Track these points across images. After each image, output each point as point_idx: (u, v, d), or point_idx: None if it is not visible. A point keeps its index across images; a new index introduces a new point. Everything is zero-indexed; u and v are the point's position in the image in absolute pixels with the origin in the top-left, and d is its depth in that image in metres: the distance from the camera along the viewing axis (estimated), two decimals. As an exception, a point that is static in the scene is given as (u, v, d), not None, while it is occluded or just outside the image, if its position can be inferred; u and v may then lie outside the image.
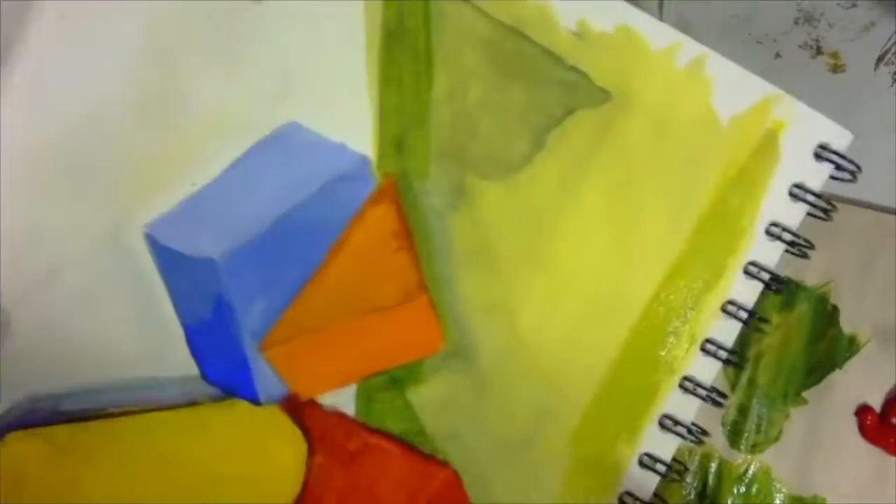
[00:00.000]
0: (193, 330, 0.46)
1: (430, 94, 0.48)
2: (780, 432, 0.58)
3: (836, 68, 0.61)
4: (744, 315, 0.51)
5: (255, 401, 0.47)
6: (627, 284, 0.50)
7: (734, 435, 0.58)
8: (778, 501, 0.57)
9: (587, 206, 0.49)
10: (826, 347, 0.59)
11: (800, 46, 0.60)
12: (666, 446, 0.51)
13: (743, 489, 0.58)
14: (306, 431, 0.47)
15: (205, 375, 0.47)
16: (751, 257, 0.50)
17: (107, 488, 0.45)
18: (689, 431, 0.51)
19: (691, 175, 0.49)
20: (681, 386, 0.50)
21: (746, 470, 0.58)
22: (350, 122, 0.47)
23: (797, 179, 0.50)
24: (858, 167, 0.51)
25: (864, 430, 0.57)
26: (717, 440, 0.58)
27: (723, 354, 0.51)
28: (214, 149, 0.46)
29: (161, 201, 0.45)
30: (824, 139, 0.50)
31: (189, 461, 0.46)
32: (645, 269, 0.50)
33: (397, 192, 0.47)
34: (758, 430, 0.58)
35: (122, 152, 0.44)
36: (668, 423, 0.50)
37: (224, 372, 0.47)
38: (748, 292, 0.51)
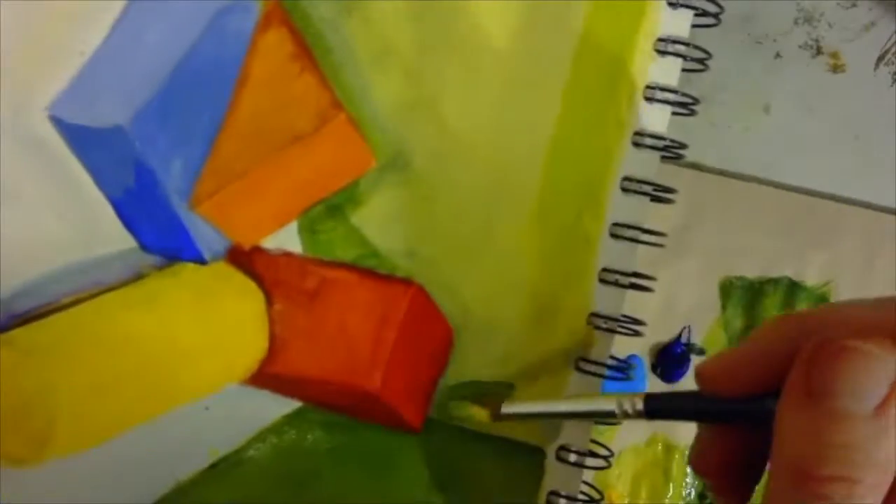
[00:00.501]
0: (120, 202, 0.45)
1: None
2: None
3: (836, 68, 0.62)
4: (681, 48, 0.47)
5: (200, 260, 0.46)
6: (544, 46, 0.46)
7: None
8: None
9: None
10: None
11: (800, 46, 0.62)
12: (632, 211, 0.48)
13: (742, 489, 0.60)
14: (259, 280, 0.45)
15: (143, 245, 0.46)
16: None
17: (78, 380, 0.43)
18: (655, 189, 0.47)
19: None
20: (635, 143, 0.47)
21: (746, 470, 0.60)
22: None
23: None
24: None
25: None
26: None
27: (672, 97, 0.47)
28: (94, 11, 0.44)
29: (55, 79, 0.43)
30: None
31: (151, 336, 0.44)
32: (561, 22, 0.46)
33: (284, 12, 0.46)
34: None
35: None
36: (632, 185, 0.47)
37: (161, 237, 0.46)
38: (678, 22, 0.47)
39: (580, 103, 0.48)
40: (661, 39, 0.47)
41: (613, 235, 0.48)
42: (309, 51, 0.45)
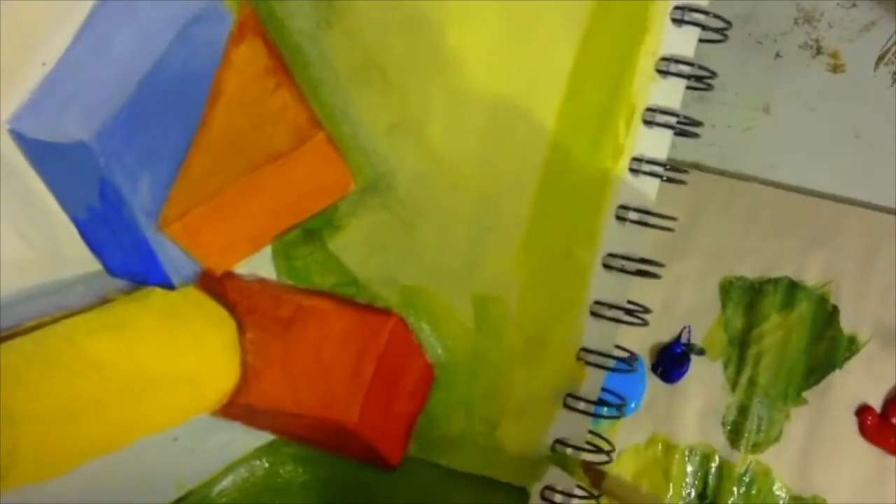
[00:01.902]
0: (84, 222, 0.42)
1: None
2: (780, 432, 0.59)
3: (836, 68, 0.61)
4: (685, 69, 0.44)
5: (168, 285, 0.43)
6: (537, 65, 0.43)
7: (734, 435, 0.59)
8: (778, 501, 0.58)
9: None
10: (826, 347, 0.60)
11: (800, 46, 0.61)
12: (629, 241, 0.45)
13: (743, 489, 0.58)
14: (231, 307, 0.43)
15: (109, 268, 0.43)
16: (677, 1, 0.44)
17: (39, 407, 0.40)
18: (654, 216, 0.45)
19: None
20: (632, 169, 0.44)
21: (746, 470, 0.58)
22: None
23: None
24: None
25: (864, 430, 0.58)
26: (717, 440, 0.59)
27: (673, 121, 0.44)
28: (56, 20, 0.40)
29: (15, 92, 0.40)
30: None
31: (116, 363, 0.41)
32: (553, 42, 0.43)
33: (259, 23, 0.43)
34: (758, 430, 0.59)
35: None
36: (628, 215, 0.45)
37: (128, 261, 0.43)
38: (683, 42, 0.45)
39: (574, 128, 0.44)
40: (664, 59, 0.44)
41: (607, 266, 0.45)
42: (286, 65, 0.42)
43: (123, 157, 0.39)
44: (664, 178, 0.44)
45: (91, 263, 0.42)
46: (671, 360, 0.61)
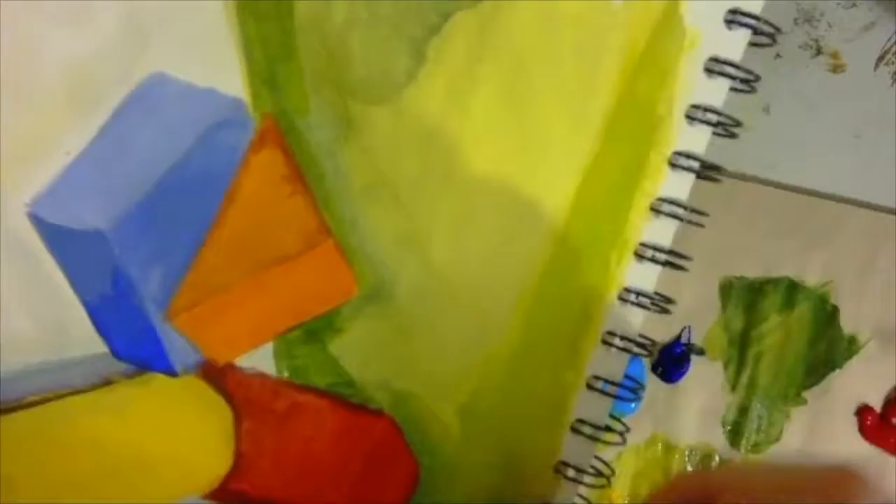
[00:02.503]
0: (94, 306, 0.43)
1: (292, 20, 0.42)
2: (781, 432, 0.60)
3: (836, 68, 0.61)
4: (679, 211, 0.45)
5: (171, 372, 0.43)
6: (541, 195, 0.44)
7: (734, 435, 0.60)
8: None
9: (481, 115, 0.43)
10: (826, 347, 0.60)
11: (800, 46, 0.61)
12: (613, 365, 0.46)
13: (743, 489, 0.58)
14: (230, 398, 0.44)
15: (115, 352, 0.44)
16: (675, 147, 0.44)
17: (38, 477, 0.42)
18: (637, 345, 0.45)
19: (589, 65, 0.43)
20: (621, 298, 0.45)
21: (746, 470, 0.59)
22: (216, 64, 0.42)
23: (711, 52, 0.43)
24: (777, 28, 0.43)
25: (864, 430, 0.59)
26: (717, 440, 0.60)
27: (661, 257, 0.45)
28: (82, 113, 0.41)
29: (39, 176, 0.41)
30: (734, 4, 0.43)
31: (114, 442, 0.42)
32: (557, 176, 0.44)
33: (279, 133, 0.43)
34: (758, 430, 0.60)
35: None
36: (613, 340, 0.45)
37: (134, 346, 0.43)
38: (679, 186, 0.45)
39: (568, 258, 0.45)
40: (659, 199, 0.45)
41: (590, 387, 0.46)
42: (301, 174, 0.42)
43: (137, 248, 0.40)
44: (651, 309, 0.45)
45: (97, 346, 0.42)
46: (671, 361, 0.62)
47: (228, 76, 0.41)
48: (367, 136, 0.42)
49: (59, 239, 0.40)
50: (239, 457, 0.43)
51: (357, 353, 0.44)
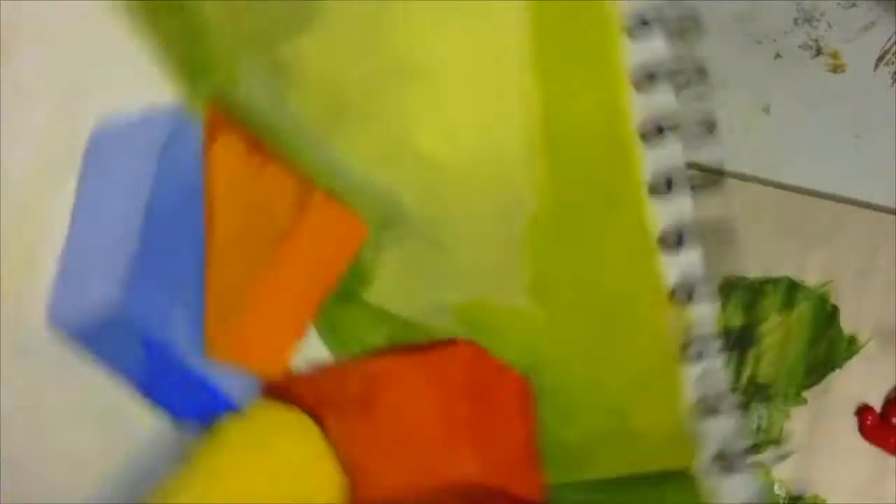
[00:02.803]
0: (141, 380, 0.42)
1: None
2: (781, 432, 0.59)
3: (836, 68, 0.62)
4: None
5: (233, 409, 0.41)
6: (508, 45, 0.39)
7: None
8: (778, 501, 0.58)
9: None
10: (826, 347, 0.60)
11: (800, 46, 0.62)
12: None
13: (742, 489, 0.57)
14: (303, 405, 0.40)
15: (175, 415, 0.42)
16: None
17: None
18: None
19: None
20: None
21: (746, 470, 0.57)
22: (140, 84, 0.41)
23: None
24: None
25: (864, 430, 0.59)
26: None
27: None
28: (54, 213, 0.41)
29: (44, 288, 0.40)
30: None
31: None
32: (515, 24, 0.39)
33: (223, 117, 0.41)
34: (758, 430, 0.59)
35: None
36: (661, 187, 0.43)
37: (189, 400, 0.42)
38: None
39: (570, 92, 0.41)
40: None
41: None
42: (261, 141, 0.41)
43: (152, 304, 0.40)
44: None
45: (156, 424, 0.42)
46: (671, 361, 0.62)
47: (154, 88, 0.41)
48: (310, 69, 0.40)
49: (85, 337, 0.40)
50: (345, 465, 0.40)
51: (398, 290, 0.42)
